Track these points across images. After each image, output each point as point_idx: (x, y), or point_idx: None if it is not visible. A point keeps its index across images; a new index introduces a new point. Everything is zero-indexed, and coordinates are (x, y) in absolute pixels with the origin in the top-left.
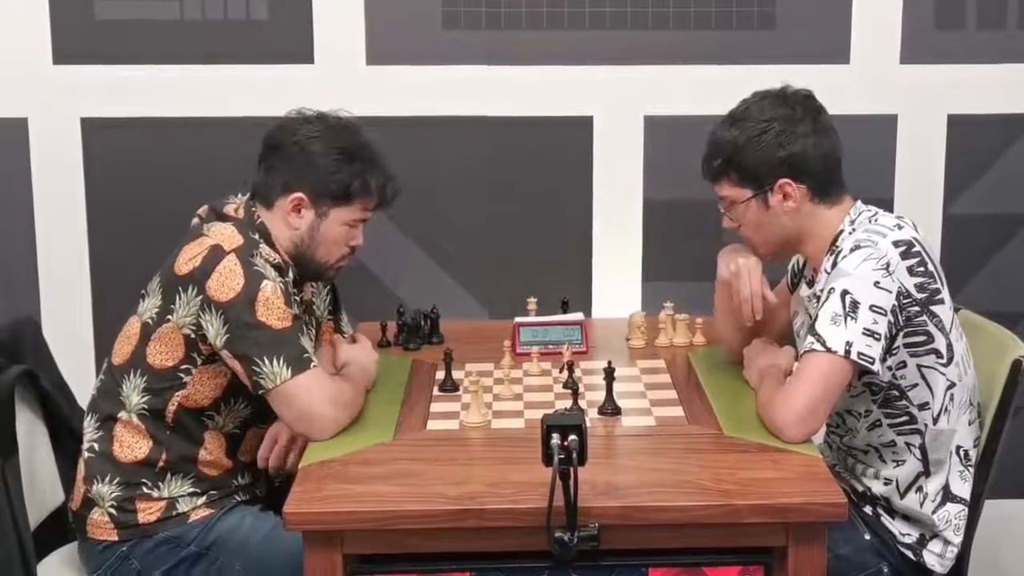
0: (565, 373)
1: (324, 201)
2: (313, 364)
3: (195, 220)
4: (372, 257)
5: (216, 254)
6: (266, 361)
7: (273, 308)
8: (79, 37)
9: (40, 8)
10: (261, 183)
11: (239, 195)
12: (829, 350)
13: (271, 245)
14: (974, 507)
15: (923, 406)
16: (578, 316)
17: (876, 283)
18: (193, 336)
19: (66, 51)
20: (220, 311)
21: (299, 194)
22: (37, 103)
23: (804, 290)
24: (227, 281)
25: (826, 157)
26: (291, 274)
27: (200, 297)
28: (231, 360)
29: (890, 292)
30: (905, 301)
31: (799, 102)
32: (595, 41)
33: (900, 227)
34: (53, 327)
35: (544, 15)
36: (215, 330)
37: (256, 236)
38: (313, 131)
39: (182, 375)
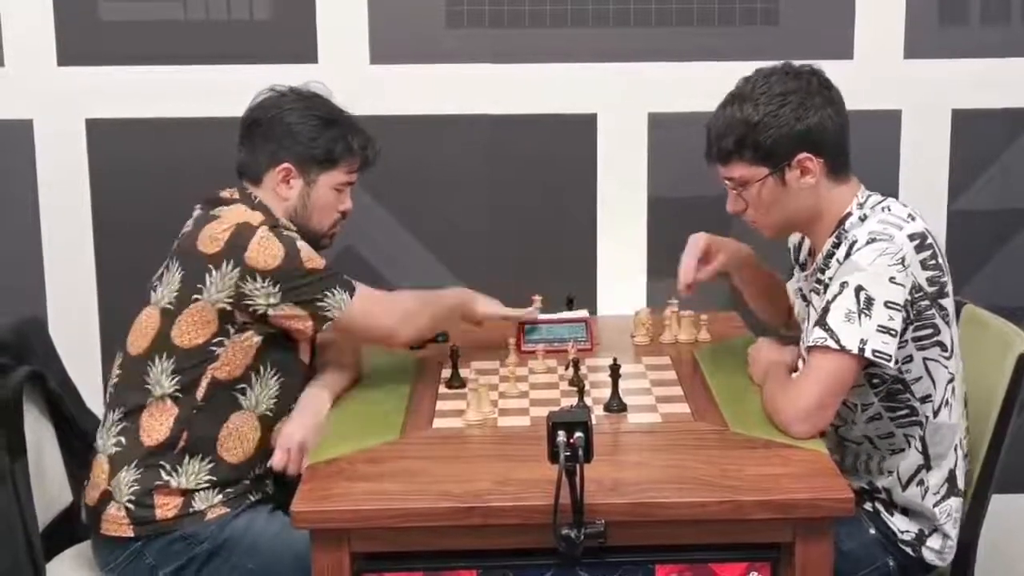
0: (570, 370)
1: (311, 167)
2: (359, 285)
3: (197, 211)
4: (377, 255)
5: (244, 230)
6: (328, 294)
7: (315, 258)
8: (84, 38)
9: (44, 10)
10: (247, 162)
11: (226, 190)
12: (843, 348)
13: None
14: (979, 501)
15: (925, 399)
16: (583, 313)
17: (891, 279)
18: (229, 308)
19: (71, 52)
20: (267, 277)
21: (286, 164)
22: (42, 105)
23: (797, 273)
24: (266, 251)
25: (841, 130)
26: None
27: (238, 270)
28: (290, 312)
29: (904, 287)
30: (917, 295)
31: (811, 75)
32: (598, 39)
33: (913, 218)
34: (60, 327)
35: (547, 13)
36: (264, 294)
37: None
38: (288, 103)
39: (215, 348)
